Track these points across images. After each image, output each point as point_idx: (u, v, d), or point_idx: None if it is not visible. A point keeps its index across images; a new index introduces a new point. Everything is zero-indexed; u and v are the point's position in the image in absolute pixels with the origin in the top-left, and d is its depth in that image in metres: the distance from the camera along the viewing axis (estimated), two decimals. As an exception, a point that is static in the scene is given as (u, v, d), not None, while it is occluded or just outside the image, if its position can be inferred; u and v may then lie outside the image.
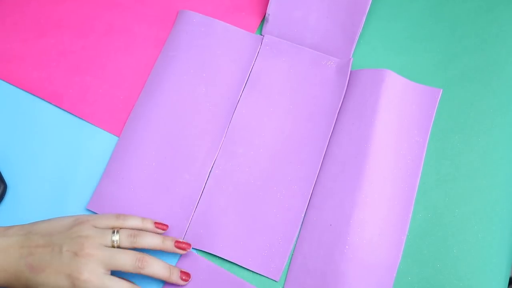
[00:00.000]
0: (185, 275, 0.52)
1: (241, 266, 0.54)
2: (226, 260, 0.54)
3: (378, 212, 0.54)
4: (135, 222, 0.52)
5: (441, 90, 0.59)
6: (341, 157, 0.56)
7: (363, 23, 0.60)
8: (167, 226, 0.54)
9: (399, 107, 0.58)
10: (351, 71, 0.60)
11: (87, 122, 0.59)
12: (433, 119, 0.58)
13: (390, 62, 0.61)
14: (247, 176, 0.57)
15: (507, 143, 0.57)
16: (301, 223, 0.55)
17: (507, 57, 0.60)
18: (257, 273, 0.54)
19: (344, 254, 0.52)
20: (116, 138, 0.59)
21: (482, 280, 0.53)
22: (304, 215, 0.55)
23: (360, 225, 0.53)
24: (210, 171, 0.57)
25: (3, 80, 0.60)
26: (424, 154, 0.57)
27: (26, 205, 0.56)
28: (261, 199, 0.56)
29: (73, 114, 0.59)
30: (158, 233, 0.53)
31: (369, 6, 0.59)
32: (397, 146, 0.56)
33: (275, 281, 0.53)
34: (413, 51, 0.61)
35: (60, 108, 0.60)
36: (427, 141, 0.57)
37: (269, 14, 0.62)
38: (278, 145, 0.58)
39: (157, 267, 0.50)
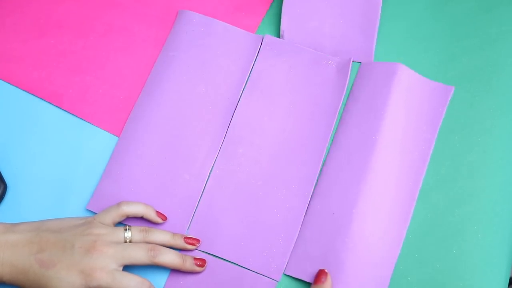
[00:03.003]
0: (200, 261, 0.53)
1: (242, 266, 0.54)
2: (227, 260, 0.54)
3: (381, 205, 0.54)
4: (136, 208, 0.53)
5: (454, 88, 0.58)
6: (348, 147, 0.56)
7: (379, 19, 0.60)
8: (166, 217, 0.55)
9: (409, 101, 0.57)
10: (363, 64, 0.60)
11: (87, 122, 0.59)
12: (443, 116, 0.58)
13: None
14: (248, 176, 0.57)
15: (507, 143, 0.57)
16: (301, 223, 0.55)
17: (507, 57, 0.60)
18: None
19: (345, 243, 0.52)
20: (116, 138, 0.59)
21: (482, 280, 0.53)
22: (309, 203, 0.55)
23: (363, 216, 0.53)
24: (211, 171, 0.57)
25: (3, 80, 0.60)
26: (431, 150, 0.57)
27: (26, 205, 0.56)
28: (262, 199, 0.56)
29: (73, 114, 0.59)
30: (160, 222, 0.54)
31: (381, 1, 0.60)
32: (405, 140, 0.56)
33: (276, 281, 0.53)
34: (413, 51, 0.61)
35: (60, 108, 0.60)
36: (435, 138, 0.57)
37: (283, 31, 0.62)
38: (278, 145, 0.58)
39: (169, 256, 0.51)
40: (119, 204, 0.53)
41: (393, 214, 0.54)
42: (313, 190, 0.56)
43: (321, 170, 0.57)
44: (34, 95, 0.60)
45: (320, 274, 0.51)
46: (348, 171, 0.55)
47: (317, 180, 0.56)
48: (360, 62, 0.60)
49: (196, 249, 0.54)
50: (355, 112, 0.58)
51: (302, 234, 0.54)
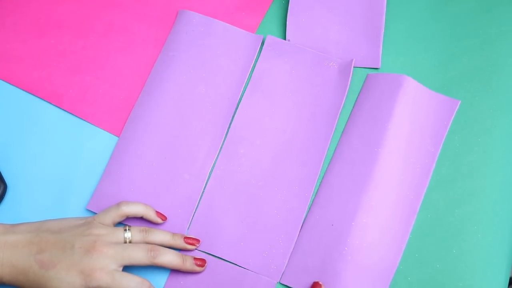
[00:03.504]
0: (200, 261, 0.53)
1: (242, 267, 0.54)
2: (226, 260, 0.54)
3: (381, 218, 0.53)
4: (136, 208, 0.53)
5: (459, 102, 0.58)
6: (351, 158, 0.56)
7: (384, 24, 0.60)
8: (166, 217, 0.55)
9: (414, 114, 0.57)
10: (370, 75, 0.60)
11: (87, 122, 0.59)
12: (447, 130, 0.57)
13: (390, 62, 0.61)
14: (248, 176, 0.57)
15: (507, 143, 0.57)
16: (301, 224, 0.55)
17: (507, 57, 0.60)
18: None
19: (343, 255, 0.52)
20: (116, 138, 0.59)
21: (482, 280, 0.53)
22: (308, 213, 0.55)
23: (362, 228, 0.53)
24: (211, 171, 0.57)
25: (3, 80, 0.60)
26: (434, 164, 0.56)
27: (26, 205, 0.56)
28: (262, 199, 0.56)
29: (73, 114, 0.60)
30: (160, 222, 0.54)
31: (385, 6, 0.59)
32: (408, 154, 0.56)
33: (276, 281, 0.53)
34: (413, 51, 0.61)
35: (60, 108, 0.60)
36: (439, 152, 0.57)
37: (289, 40, 0.62)
38: (279, 145, 0.58)
39: (169, 256, 0.51)
40: (119, 204, 0.53)
41: (392, 228, 0.54)
42: (313, 200, 0.56)
43: (321, 179, 0.56)
44: (34, 95, 0.60)
45: (315, 286, 0.51)
46: (349, 183, 0.55)
47: (317, 190, 0.56)
48: (367, 68, 0.60)
49: (196, 249, 0.54)
50: (359, 123, 0.58)
51: (300, 244, 0.54)
